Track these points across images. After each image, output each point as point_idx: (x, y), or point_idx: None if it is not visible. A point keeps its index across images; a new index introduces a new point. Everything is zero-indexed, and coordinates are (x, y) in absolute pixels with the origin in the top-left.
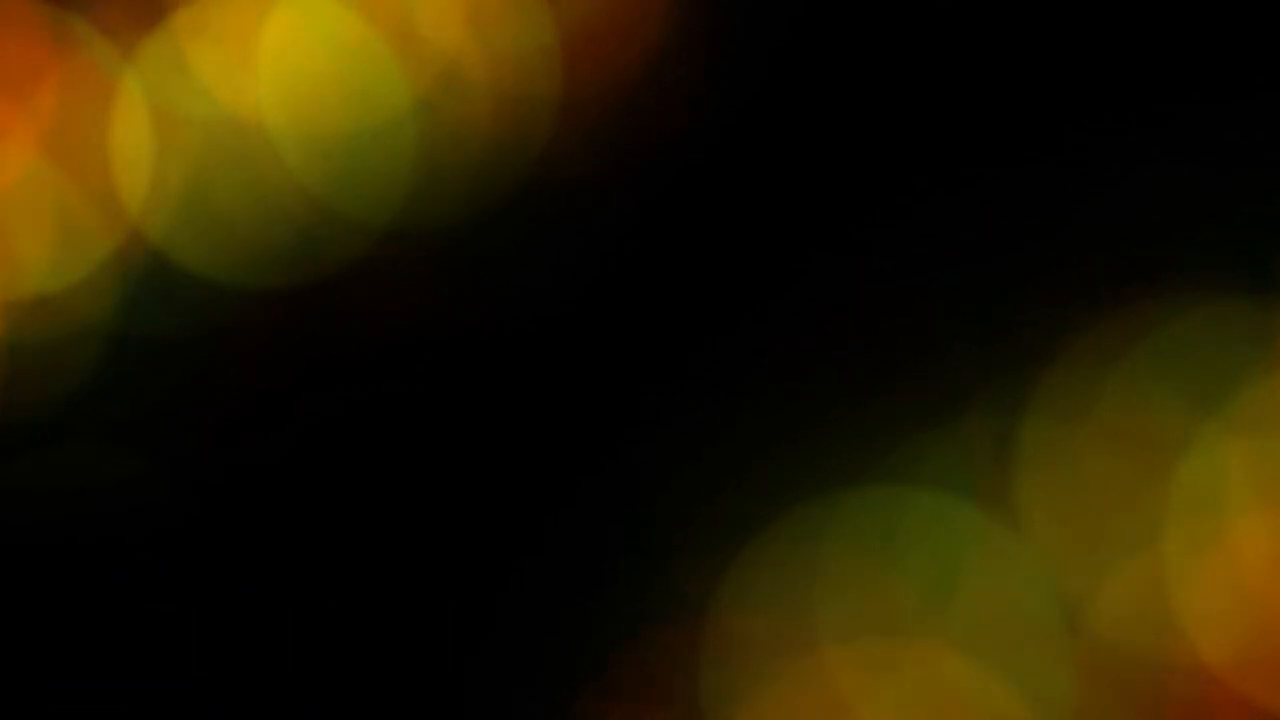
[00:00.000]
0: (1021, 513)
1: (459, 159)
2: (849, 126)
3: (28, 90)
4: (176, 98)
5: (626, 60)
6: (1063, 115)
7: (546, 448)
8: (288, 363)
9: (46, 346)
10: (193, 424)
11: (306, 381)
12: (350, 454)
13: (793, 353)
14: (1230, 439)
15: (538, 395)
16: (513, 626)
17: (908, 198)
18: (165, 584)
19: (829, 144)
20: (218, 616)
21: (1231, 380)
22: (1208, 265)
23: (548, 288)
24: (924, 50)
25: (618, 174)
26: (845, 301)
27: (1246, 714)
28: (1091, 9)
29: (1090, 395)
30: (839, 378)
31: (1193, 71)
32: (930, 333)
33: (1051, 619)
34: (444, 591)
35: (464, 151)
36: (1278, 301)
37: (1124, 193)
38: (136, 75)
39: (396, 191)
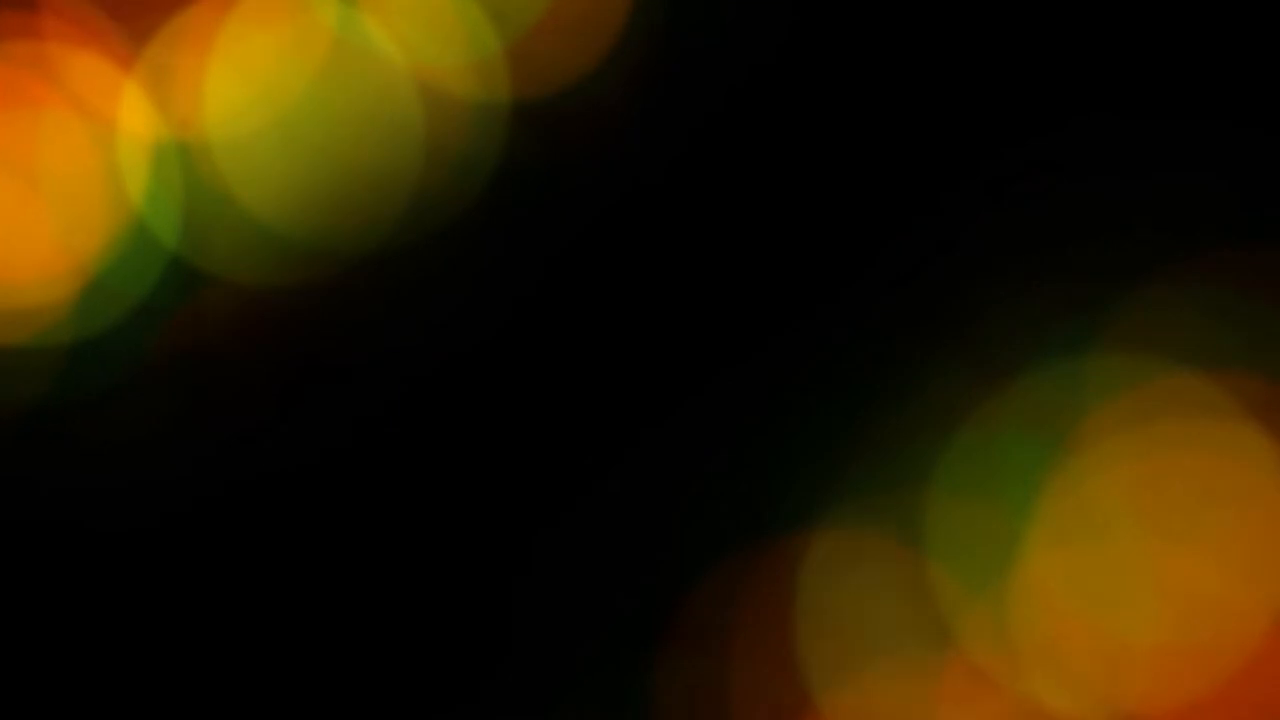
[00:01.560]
0: (1050, 517)
1: (453, 161)
2: (838, 125)
3: (29, 90)
4: (175, 102)
5: (621, 62)
6: (1057, 119)
7: (553, 452)
8: (287, 361)
9: (44, 347)
10: (191, 424)
11: (304, 381)
12: (350, 455)
13: (808, 355)
14: (1248, 436)
15: (543, 396)
16: (523, 626)
17: (907, 193)
18: (168, 585)
19: (820, 143)
20: (218, 617)
21: (1241, 374)
22: (1208, 262)
23: (548, 288)
24: (909, 52)
25: (616, 174)
26: (857, 301)
27: None
28: (1090, 9)
29: (1112, 397)
30: (859, 378)
31: (1187, 76)
32: (942, 337)
33: (1080, 620)
34: (445, 592)
35: (458, 154)
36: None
37: (1122, 191)
38: (137, 77)
39: (392, 194)
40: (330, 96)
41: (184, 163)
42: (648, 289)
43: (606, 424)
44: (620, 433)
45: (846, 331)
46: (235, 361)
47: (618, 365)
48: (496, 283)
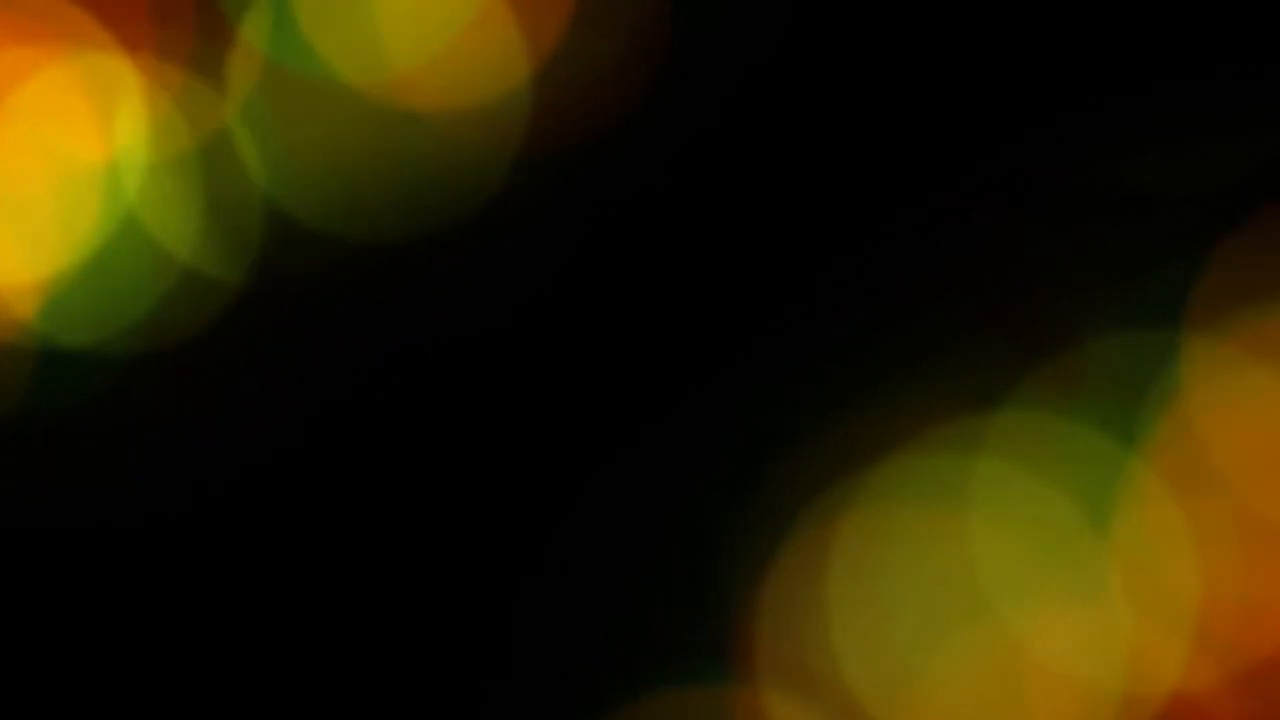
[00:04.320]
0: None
1: (451, 163)
2: (836, 130)
3: (25, 85)
4: (172, 96)
5: (617, 73)
6: (1057, 114)
7: (552, 450)
8: (283, 361)
9: (40, 350)
10: (183, 425)
11: (301, 381)
12: (349, 454)
13: (810, 351)
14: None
15: (535, 398)
16: (523, 627)
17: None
18: (162, 588)
19: (819, 146)
20: (217, 618)
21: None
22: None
23: (549, 290)
24: (911, 45)
25: (614, 176)
26: (856, 296)
27: None
28: (1089, 10)
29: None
30: (862, 374)
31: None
32: (943, 326)
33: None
34: (446, 591)
35: (456, 156)
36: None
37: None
38: (135, 72)
39: (372, 200)
40: (315, 105)
41: (179, 165)
42: (642, 288)
43: (603, 428)
44: (620, 434)
45: (864, 322)
46: (230, 361)
47: (609, 368)
48: (485, 285)
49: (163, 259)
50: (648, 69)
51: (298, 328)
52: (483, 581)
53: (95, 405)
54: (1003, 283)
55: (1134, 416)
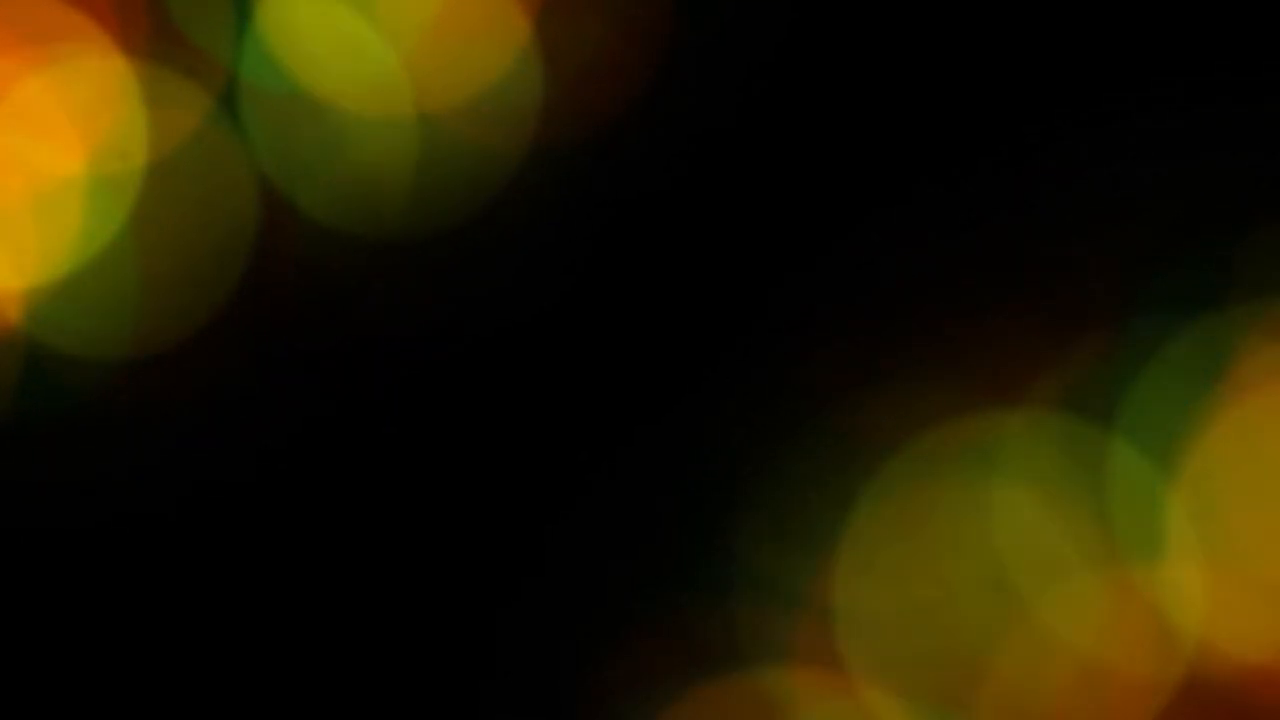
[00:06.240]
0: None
1: (449, 161)
2: (839, 128)
3: (17, 87)
4: (168, 95)
5: (613, 72)
6: (1054, 114)
7: (561, 448)
8: (279, 361)
9: (33, 346)
10: (179, 427)
11: (294, 382)
12: (347, 458)
13: (802, 352)
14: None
15: (526, 401)
16: (537, 627)
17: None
18: (160, 589)
19: (821, 147)
20: (217, 618)
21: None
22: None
23: (547, 289)
24: (912, 45)
25: (613, 177)
26: (849, 297)
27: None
28: (1088, 11)
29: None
30: (851, 376)
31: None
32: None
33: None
34: (442, 597)
35: (454, 153)
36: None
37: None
38: (127, 73)
39: (390, 194)
40: (310, 104)
41: (175, 166)
42: (642, 288)
43: (604, 427)
44: (620, 433)
45: (874, 319)
46: (227, 362)
47: (611, 366)
48: (483, 284)
49: (156, 261)
50: (649, 63)
51: (295, 328)
52: (485, 582)
53: (91, 407)
54: (1012, 283)
55: (1142, 413)
